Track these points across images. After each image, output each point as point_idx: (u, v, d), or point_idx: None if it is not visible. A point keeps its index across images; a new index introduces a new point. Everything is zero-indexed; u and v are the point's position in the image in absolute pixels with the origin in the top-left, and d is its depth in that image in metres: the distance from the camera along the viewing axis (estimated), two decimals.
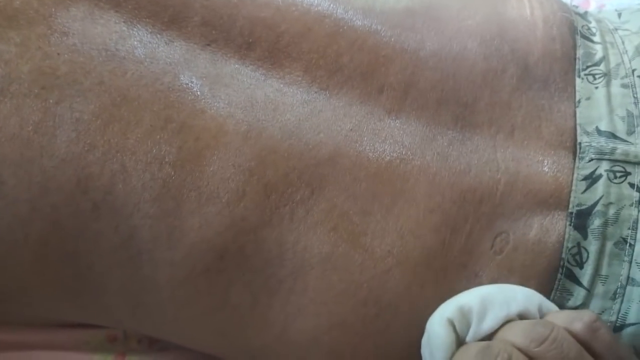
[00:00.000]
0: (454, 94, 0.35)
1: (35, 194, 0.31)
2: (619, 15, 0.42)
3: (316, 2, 0.36)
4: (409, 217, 0.33)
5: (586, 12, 0.41)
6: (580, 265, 0.33)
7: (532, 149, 0.35)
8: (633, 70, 0.36)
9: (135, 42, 0.34)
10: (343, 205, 0.32)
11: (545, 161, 0.34)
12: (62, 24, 0.33)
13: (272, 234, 0.32)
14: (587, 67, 0.37)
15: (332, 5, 0.36)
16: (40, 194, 0.31)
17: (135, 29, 0.34)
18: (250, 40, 0.35)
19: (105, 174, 0.31)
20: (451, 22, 0.37)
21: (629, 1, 0.71)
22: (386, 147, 0.34)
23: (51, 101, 0.31)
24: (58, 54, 0.32)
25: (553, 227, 0.33)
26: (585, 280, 0.33)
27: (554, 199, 0.34)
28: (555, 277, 0.33)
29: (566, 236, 0.33)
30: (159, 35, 0.34)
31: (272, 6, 0.35)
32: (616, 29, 0.40)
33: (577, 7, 0.44)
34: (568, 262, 0.33)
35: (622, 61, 0.37)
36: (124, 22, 0.34)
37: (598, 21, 0.41)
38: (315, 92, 0.35)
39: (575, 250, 0.33)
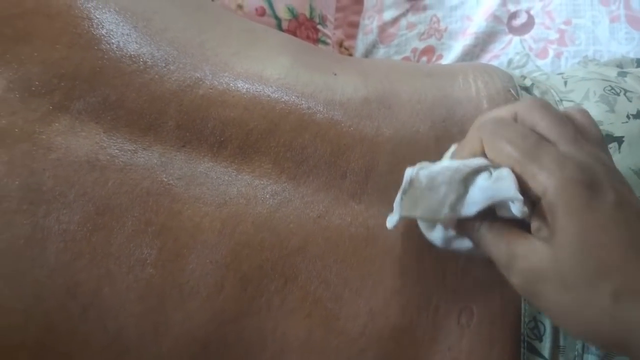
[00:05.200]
0: None
1: (29, 303, 0.33)
2: (565, 83, 0.46)
3: (281, 98, 0.39)
4: (378, 298, 0.35)
5: (532, 85, 0.45)
6: (540, 339, 0.35)
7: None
8: None
9: (115, 151, 0.36)
10: (316, 292, 0.35)
11: None
12: (46, 140, 0.35)
13: (251, 322, 0.34)
14: None
15: (296, 100, 0.40)
16: (33, 302, 0.33)
17: (114, 138, 0.37)
18: (222, 139, 0.38)
19: (92, 279, 0.34)
20: (403, 108, 0.41)
21: (585, 49, 0.75)
22: (352, 230, 0.36)
23: (39, 215, 0.34)
24: (43, 169, 0.35)
25: (511, 300, 0.36)
26: (546, 352, 0.35)
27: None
28: (520, 350, 0.35)
29: (523, 311, 0.35)
30: (137, 142, 0.37)
31: (240, 106, 0.39)
32: (561, 100, 0.43)
33: (524, 77, 0.47)
34: (528, 336, 0.35)
35: None
36: (104, 132, 0.37)
37: (544, 93, 0.44)
38: (284, 182, 0.37)
39: (532, 324, 0.35)
